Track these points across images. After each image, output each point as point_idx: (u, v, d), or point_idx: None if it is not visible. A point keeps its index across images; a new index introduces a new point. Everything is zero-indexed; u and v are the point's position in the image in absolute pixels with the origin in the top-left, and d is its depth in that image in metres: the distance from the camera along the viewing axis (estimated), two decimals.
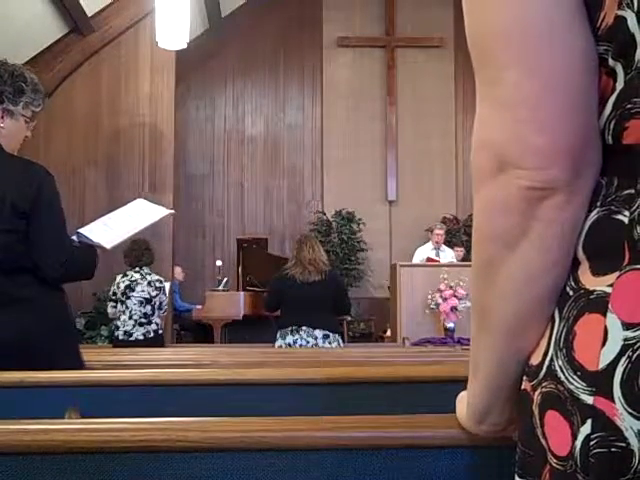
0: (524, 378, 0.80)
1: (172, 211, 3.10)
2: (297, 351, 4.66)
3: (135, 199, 3.09)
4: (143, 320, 5.77)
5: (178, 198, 10.10)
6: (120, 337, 5.78)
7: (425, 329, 7.16)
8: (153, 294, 5.80)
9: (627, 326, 0.65)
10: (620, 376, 0.64)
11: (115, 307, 5.85)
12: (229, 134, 11.49)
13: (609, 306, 0.67)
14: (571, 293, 0.74)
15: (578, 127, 0.70)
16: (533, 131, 0.70)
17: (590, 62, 0.70)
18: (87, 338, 8.58)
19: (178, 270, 10.17)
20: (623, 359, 0.64)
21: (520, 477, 0.81)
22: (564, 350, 0.71)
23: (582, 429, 0.67)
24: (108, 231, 2.72)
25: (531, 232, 0.74)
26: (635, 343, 0.64)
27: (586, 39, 0.69)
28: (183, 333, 9.93)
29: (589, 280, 0.72)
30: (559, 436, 0.70)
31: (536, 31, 0.69)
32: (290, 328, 5.07)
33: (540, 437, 0.74)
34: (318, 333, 5.04)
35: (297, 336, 5.04)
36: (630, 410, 0.63)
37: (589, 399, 0.66)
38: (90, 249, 2.65)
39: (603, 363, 0.66)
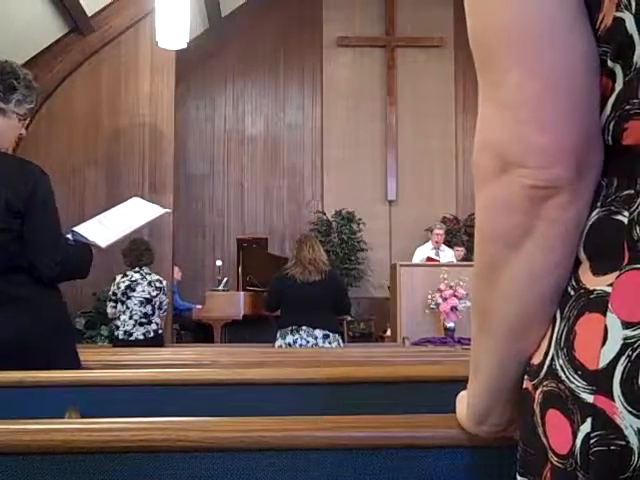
0: (525, 377, 0.81)
1: (167, 210, 3.10)
2: (297, 351, 4.67)
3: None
4: (143, 320, 5.77)
5: (178, 198, 10.10)
6: (120, 337, 5.79)
7: (425, 329, 7.16)
8: (153, 294, 5.80)
9: (627, 325, 0.65)
10: (620, 375, 0.64)
11: (115, 307, 5.85)
12: (229, 134, 11.49)
13: (609, 305, 0.67)
14: (572, 293, 0.74)
15: (580, 127, 0.70)
16: (535, 131, 0.70)
17: (592, 63, 0.70)
18: (87, 338, 8.58)
19: (176, 270, 10.17)
20: (623, 358, 0.65)
21: (521, 476, 0.81)
22: (565, 349, 0.72)
23: (582, 427, 0.67)
24: (103, 230, 2.71)
25: (534, 232, 0.74)
26: (635, 342, 0.64)
27: (588, 40, 0.70)
28: (183, 333, 9.92)
29: (590, 280, 0.72)
30: (560, 435, 0.70)
31: (537, 31, 0.69)
32: (290, 328, 5.07)
33: (541, 436, 0.74)
34: (318, 333, 5.04)
35: (297, 336, 5.04)
36: (630, 408, 0.64)
37: (589, 398, 0.67)
38: (85, 248, 2.65)
39: (603, 362, 0.66)
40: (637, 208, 0.68)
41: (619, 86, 0.70)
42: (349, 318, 9.20)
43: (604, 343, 0.66)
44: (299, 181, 11.48)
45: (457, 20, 11.27)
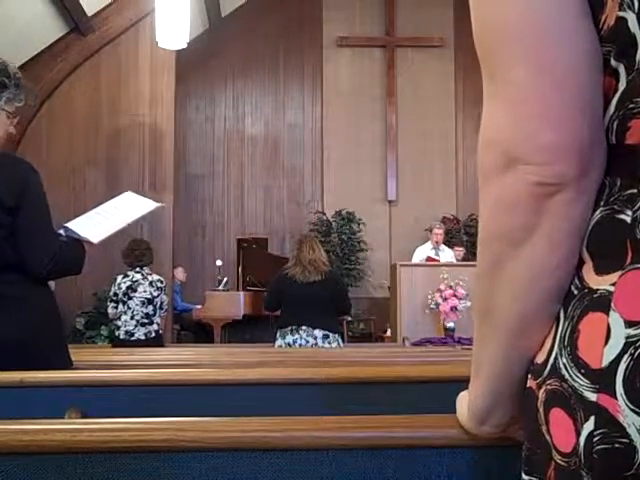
0: (529, 376, 0.81)
1: (161, 204, 3.08)
2: (297, 351, 4.67)
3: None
4: (145, 320, 5.77)
5: (178, 198, 10.10)
6: (121, 337, 5.79)
7: (425, 329, 7.16)
8: (155, 294, 5.80)
9: (629, 324, 0.65)
10: (622, 373, 0.65)
11: (116, 308, 5.85)
12: (229, 134, 11.48)
13: (612, 305, 0.67)
14: (576, 292, 0.75)
15: (586, 123, 0.71)
16: (541, 127, 0.70)
17: (596, 60, 0.70)
18: (87, 338, 8.59)
19: (180, 270, 10.18)
20: (625, 356, 0.65)
21: (527, 474, 0.81)
22: (568, 348, 0.72)
23: (585, 426, 0.67)
24: (95, 225, 2.71)
25: (539, 229, 0.74)
26: (637, 341, 0.65)
27: (591, 38, 0.70)
28: (183, 333, 9.93)
29: (593, 279, 0.73)
30: (563, 433, 0.71)
31: (544, 28, 0.69)
32: (290, 328, 5.07)
33: (545, 434, 0.75)
34: (318, 333, 5.04)
35: (297, 336, 5.04)
36: (632, 407, 0.64)
37: (592, 396, 0.67)
38: (77, 244, 2.64)
39: (606, 361, 0.66)
40: None
41: (622, 85, 0.70)
42: (349, 318, 9.20)
43: (607, 342, 0.67)
44: (299, 181, 11.48)
45: (457, 20, 11.27)
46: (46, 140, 9.19)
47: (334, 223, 11.16)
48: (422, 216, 10.66)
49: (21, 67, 8.70)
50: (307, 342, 5.03)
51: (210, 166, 11.40)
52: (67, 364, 2.53)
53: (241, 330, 9.52)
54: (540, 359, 0.78)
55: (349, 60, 11.54)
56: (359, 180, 11.25)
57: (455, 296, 7.03)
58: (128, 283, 5.79)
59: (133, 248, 5.90)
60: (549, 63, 0.69)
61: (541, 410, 0.75)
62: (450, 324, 7.09)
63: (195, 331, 9.95)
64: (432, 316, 7.22)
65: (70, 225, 2.67)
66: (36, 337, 2.42)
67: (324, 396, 2.01)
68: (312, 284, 5.08)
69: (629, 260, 0.68)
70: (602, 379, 0.66)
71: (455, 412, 1.07)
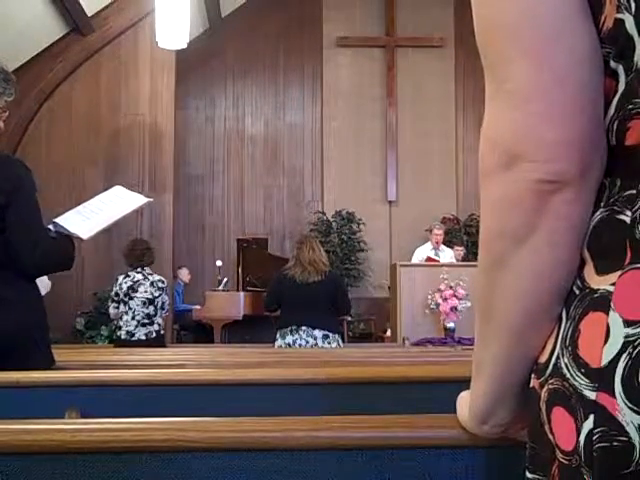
0: (532, 376, 0.81)
1: (149, 199, 3.09)
2: (297, 351, 4.67)
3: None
4: (146, 321, 5.77)
5: (178, 198, 10.10)
6: (122, 337, 5.78)
7: (425, 329, 7.16)
8: (156, 294, 5.80)
9: (628, 323, 0.66)
10: (621, 372, 0.65)
11: (117, 308, 5.85)
12: (229, 134, 11.48)
13: (611, 304, 0.68)
14: (577, 292, 0.75)
15: (587, 121, 0.71)
16: (544, 124, 0.71)
17: (596, 60, 0.71)
18: (87, 338, 8.59)
19: (185, 272, 10.17)
20: (624, 356, 0.65)
21: (531, 472, 0.82)
22: (569, 348, 0.73)
23: (585, 424, 0.68)
24: (85, 220, 2.71)
25: (541, 227, 0.75)
26: (635, 340, 0.65)
27: (592, 37, 0.71)
28: (183, 333, 9.93)
29: (594, 279, 0.73)
30: (565, 431, 0.72)
31: (546, 26, 0.70)
32: (290, 328, 5.07)
33: (548, 433, 0.75)
34: (317, 333, 5.04)
35: (297, 336, 5.04)
36: (630, 405, 0.65)
37: (592, 395, 0.68)
38: (67, 240, 2.64)
39: (605, 360, 0.67)
40: (639, 208, 0.69)
41: (622, 86, 0.71)
42: (349, 318, 9.20)
43: (606, 341, 0.67)
44: (299, 181, 11.49)
45: (457, 20, 11.27)
46: (46, 140, 9.19)
47: (334, 223, 11.16)
48: (422, 216, 10.65)
49: (21, 67, 8.72)
50: (307, 342, 5.03)
51: (210, 166, 11.40)
52: (48, 363, 2.53)
53: (241, 330, 9.52)
54: (542, 359, 0.79)
55: (349, 60, 11.54)
56: (359, 180, 11.25)
57: (455, 296, 7.04)
58: (129, 283, 5.79)
59: (133, 248, 5.90)
60: (551, 61, 0.70)
61: (543, 409, 0.76)
62: (450, 324, 7.09)
63: (195, 331, 9.95)
64: (432, 316, 7.22)
65: (59, 220, 2.67)
66: (17, 335, 2.42)
67: (324, 396, 2.01)
68: (312, 284, 5.08)
69: (628, 260, 0.68)
70: (601, 378, 0.67)
71: (455, 412, 1.07)
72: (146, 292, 5.77)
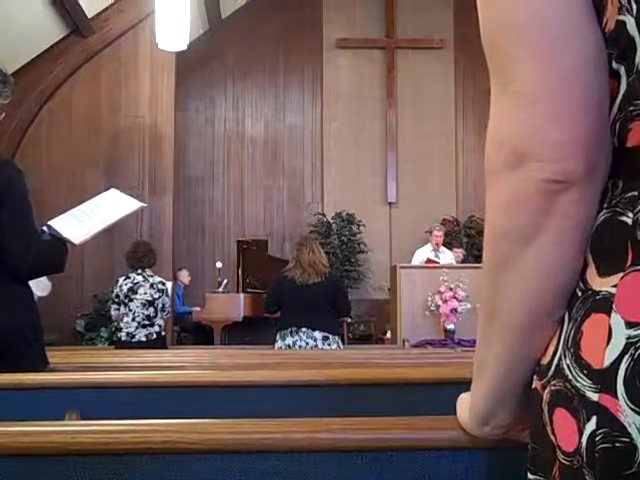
0: (534, 377, 0.81)
1: (143, 204, 3.09)
2: (297, 353, 4.66)
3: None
4: (146, 322, 5.77)
5: (178, 200, 10.11)
6: (123, 338, 5.78)
7: (425, 331, 7.16)
8: (156, 296, 5.80)
9: (630, 325, 0.66)
10: (623, 373, 0.66)
11: (118, 309, 5.85)
12: (229, 135, 11.49)
13: (613, 306, 0.68)
14: (579, 294, 0.75)
15: (594, 121, 0.71)
16: (550, 124, 0.71)
17: (602, 60, 0.71)
18: (87, 340, 8.59)
19: (185, 274, 10.17)
20: (626, 357, 0.66)
21: (532, 474, 0.82)
22: (572, 349, 0.73)
23: (588, 425, 0.68)
24: (78, 225, 2.71)
25: (548, 227, 0.75)
26: (637, 341, 0.65)
27: (597, 38, 0.71)
28: (183, 335, 9.92)
29: (596, 281, 0.73)
30: (567, 433, 0.72)
31: (553, 26, 0.70)
32: (290, 329, 5.07)
33: (550, 434, 0.75)
34: (317, 335, 5.04)
35: (296, 337, 5.04)
36: (632, 406, 0.65)
37: (594, 396, 0.68)
38: (59, 243, 2.65)
39: (607, 361, 0.67)
40: None
41: (623, 88, 0.71)
42: (349, 320, 9.19)
43: (608, 343, 0.67)
44: (299, 183, 11.49)
45: (457, 22, 11.27)
46: (46, 141, 9.19)
47: (334, 225, 11.16)
48: (422, 218, 10.66)
49: (21, 69, 8.73)
50: (307, 344, 5.02)
51: (210, 168, 11.40)
52: (42, 364, 2.53)
53: (241, 332, 9.51)
54: (545, 360, 0.79)
55: (349, 62, 11.55)
56: (359, 182, 11.25)
57: (455, 298, 7.03)
58: (129, 285, 5.79)
59: (135, 250, 5.90)
60: (558, 62, 0.70)
61: (545, 410, 0.76)
62: (450, 326, 7.09)
63: (195, 333, 9.94)
64: (432, 318, 7.21)
65: (53, 223, 2.67)
66: (10, 336, 2.42)
67: (324, 398, 2.01)
68: (312, 286, 5.08)
69: (630, 262, 0.68)
70: (603, 379, 0.67)
71: (455, 414, 1.07)
72: (146, 294, 5.77)
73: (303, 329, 5.04)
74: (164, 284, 5.97)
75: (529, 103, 0.72)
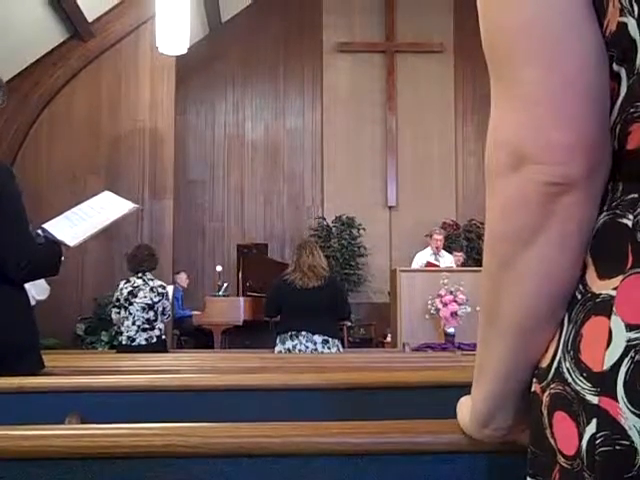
0: (534, 380, 0.81)
1: (137, 206, 3.10)
2: (297, 356, 4.66)
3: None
4: (146, 326, 5.77)
5: (178, 203, 10.11)
6: (123, 342, 5.78)
7: (425, 334, 7.16)
8: (156, 300, 5.79)
9: (630, 327, 0.66)
10: (623, 376, 0.65)
11: (119, 313, 5.85)
12: (229, 139, 11.49)
13: (613, 309, 0.68)
14: (579, 297, 0.75)
15: (596, 124, 0.71)
16: (553, 126, 0.71)
17: (603, 62, 0.71)
18: (87, 343, 8.58)
19: (183, 277, 10.16)
20: (626, 360, 0.66)
21: (531, 477, 0.82)
22: (571, 352, 0.73)
23: (588, 429, 0.68)
24: (72, 227, 2.72)
25: (548, 229, 0.75)
26: (638, 344, 0.65)
27: (598, 40, 0.71)
28: (183, 339, 9.92)
29: (596, 283, 0.73)
30: (566, 436, 0.72)
31: (554, 28, 0.70)
32: (289, 333, 5.07)
33: (549, 437, 0.75)
34: (317, 338, 5.04)
35: (296, 341, 5.04)
36: (633, 409, 0.65)
37: (594, 399, 0.68)
38: (54, 246, 2.65)
39: (607, 364, 0.67)
40: None
41: (624, 90, 0.71)
42: (349, 324, 9.19)
43: (608, 345, 0.67)
44: (299, 186, 11.49)
45: (457, 26, 11.29)
46: (46, 145, 9.20)
47: (334, 228, 11.16)
48: (422, 221, 10.66)
49: (21, 73, 8.73)
50: (307, 347, 5.02)
51: (210, 171, 11.40)
52: (38, 367, 2.53)
53: (241, 335, 9.51)
54: (544, 363, 0.79)
55: (349, 65, 11.56)
56: (359, 185, 11.25)
57: (455, 301, 7.03)
58: (129, 288, 5.79)
59: (135, 254, 5.90)
60: (559, 64, 0.70)
61: (545, 414, 0.76)
62: (450, 329, 7.09)
63: (195, 337, 9.94)
64: (432, 321, 7.21)
65: (47, 226, 2.68)
66: (5, 339, 2.42)
67: (324, 402, 2.01)
68: (311, 290, 5.07)
69: (630, 264, 0.68)
70: (603, 382, 0.67)
71: (456, 417, 1.07)
72: (145, 297, 5.77)
73: (303, 333, 5.03)
74: (164, 288, 5.97)
75: (530, 105, 0.72)
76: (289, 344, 5.05)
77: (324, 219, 11.20)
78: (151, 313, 5.77)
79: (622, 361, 0.66)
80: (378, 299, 10.78)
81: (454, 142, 11.47)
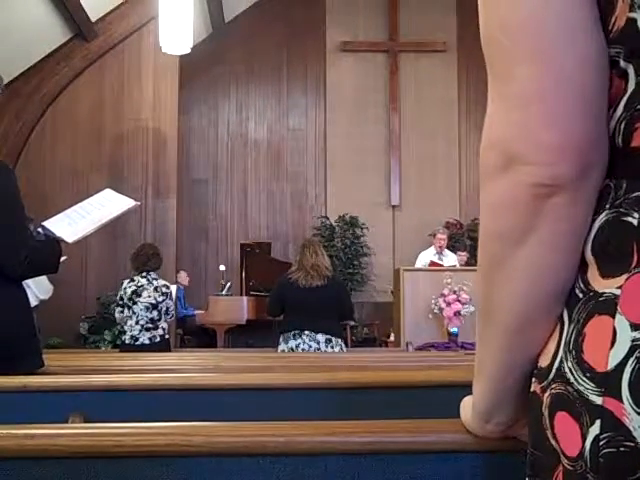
0: (533, 380, 0.80)
1: (137, 202, 3.10)
2: (300, 355, 4.66)
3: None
4: (150, 325, 5.77)
5: (181, 203, 10.11)
6: (127, 341, 5.79)
7: (428, 334, 7.15)
8: (159, 299, 5.80)
9: (635, 327, 0.65)
10: (628, 377, 0.65)
11: (122, 312, 5.85)
12: (232, 139, 11.49)
13: (618, 308, 0.67)
14: (580, 295, 0.74)
15: (588, 125, 0.71)
16: (543, 126, 0.70)
17: (602, 62, 0.70)
18: (91, 343, 8.59)
19: (183, 275, 10.17)
20: (631, 360, 0.65)
21: (530, 478, 0.81)
22: (573, 352, 0.72)
23: (591, 430, 0.67)
24: (71, 224, 2.72)
25: (537, 230, 0.74)
26: None
27: (598, 40, 0.70)
28: (187, 338, 9.93)
29: (598, 282, 0.72)
30: (569, 437, 0.71)
31: (551, 27, 0.70)
32: (293, 332, 5.07)
33: (550, 438, 0.74)
34: (320, 337, 5.04)
35: (299, 340, 5.04)
36: (638, 410, 0.64)
37: (598, 400, 0.67)
38: (53, 242, 2.65)
39: (612, 364, 0.66)
40: None
41: (631, 87, 0.70)
42: (352, 323, 9.19)
43: (612, 345, 0.66)
44: (302, 186, 11.49)
45: (460, 25, 11.27)
46: (50, 144, 9.21)
47: (337, 228, 11.16)
48: (425, 221, 10.65)
49: (25, 72, 8.75)
50: (310, 347, 5.02)
51: (213, 171, 11.40)
52: (37, 366, 2.53)
53: (244, 335, 9.52)
54: (544, 363, 0.78)
55: (352, 65, 11.55)
56: (362, 185, 11.24)
57: (458, 301, 7.03)
58: (133, 288, 5.79)
59: (139, 253, 5.90)
60: (554, 64, 0.69)
61: (546, 414, 0.75)
62: (453, 329, 7.08)
63: (198, 336, 9.95)
64: (435, 321, 7.21)
65: (47, 223, 2.68)
66: (4, 337, 2.42)
67: (327, 401, 2.01)
68: (315, 289, 5.07)
69: (635, 263, 0.68)
70: (608, 382, 0.66)
71: (459, 417, 1.07)
72: (149, 297, 5.77)
73: (306, 332, 5.03)
74: (168, 287, 5.97)
75: (523, 104, 0.71)
76: (292, 343, 5.05)
77: (327, 218, 11.19)
78: (155, 313, 5.78)
79: (627, 361, 0.65)
80: (381, 298, 10.78)
81: (457, 141, 11.46)
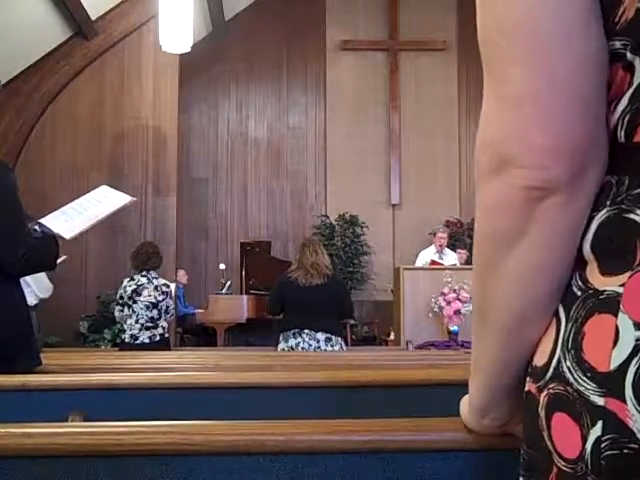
0: (528, 379, 0.79)
1: (134, 198, 3.10)
2: (300, 354, 4.66)
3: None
4: (150, 324, 5.77)
5: (181, 201, 10.11)
6: (126, 340, 5.79)
7: (428, 332, 7.15)
8: (160, 298, 5.80)
9: (639, 326, 0.64)
10: (632, 377, 0.63)
11: (122, 311, 5.85)
12: (232, 137, 11.49)
13: (620, 306, 0.66)
14: (579, 293, 0.73)
15: (582, 127, 0.70)
16: (536, 129, 0.69)
17: (601, 60, 0.69)
18: (90, 341, 8.60)
19: (182, 273, 10.17)
20: (635, 359, 0.63)
21: (525, 478, 0.80)
22: (572, 351, 0.70)
23: (592, 431, 0.66)
24: (68, 220, 2.73)
25: (530, 232, 0.74)
26: None
27: (599, 36, 0.69)
28: (187, 337, 9.93)
29: (598, 279, 0.71)
30: (568, 438, 0.69)
31: (547, 28, 0.68)
32: (292, 331, 5.07)
33: (546, 439, 0.73)
34: (320, 336, 5.04)
35: (299, 339, 5.04)
36: None
37: (599, 400, 0.66)
38: (50, 239, 2.66)
39: (614, 364, 0.65)
40: None
41: (638, 79, 0.69)
42: (352, 322, 9.19)
43: (615, 344, 0.65)
44: (302, 185, 11.48)
45: (460, 24, 11.27)
46: (50, 143, 9.21)
47: (337, 226, 11.16)
48: (425, 219, 10.65)
49: (25, 71, 8.75)
50: (310, 345, 5.02)
51: (213, 169, 11.40)
52: (35, 364, 2.53)
53: (244, 333, 9.52)
54: (540, 362, 0.77)
55: (352, 63, 11.55)
56: (362, 183, 11.24)
57: (458, 299, 7.02)
58: (133, 287, 5.79)
59: (139, 251, 5.89)
60: (548, 63, 0.68)
61: (542, 415, 0.73)
62: (453, 328, 7.08)
63: (198, 335, 9.95)
64: (435, 319, 7.21)
65: (44, 221, 2.69)
66: (1, 335, 2.42)
67: (327, 399, 2.01)
68: (314, 287, 5.07)
69: (638, 261, 0.66)
70: (610, 383, 0.65)
71: (459, 415, 1.07)
72: (150, 296, 5.77)
73: (306, 331, 5.04)
74: (168, 286, 5.97)
75: (516, 105, 0.70)
76: (292, 342, 5.05)
77: (327, 217, 11.19)
78: (155, 312, 5.78)
79: (631, 361, 0.63)
80: (381, 297, 10.78)
81: (457, 140, 11.45)
